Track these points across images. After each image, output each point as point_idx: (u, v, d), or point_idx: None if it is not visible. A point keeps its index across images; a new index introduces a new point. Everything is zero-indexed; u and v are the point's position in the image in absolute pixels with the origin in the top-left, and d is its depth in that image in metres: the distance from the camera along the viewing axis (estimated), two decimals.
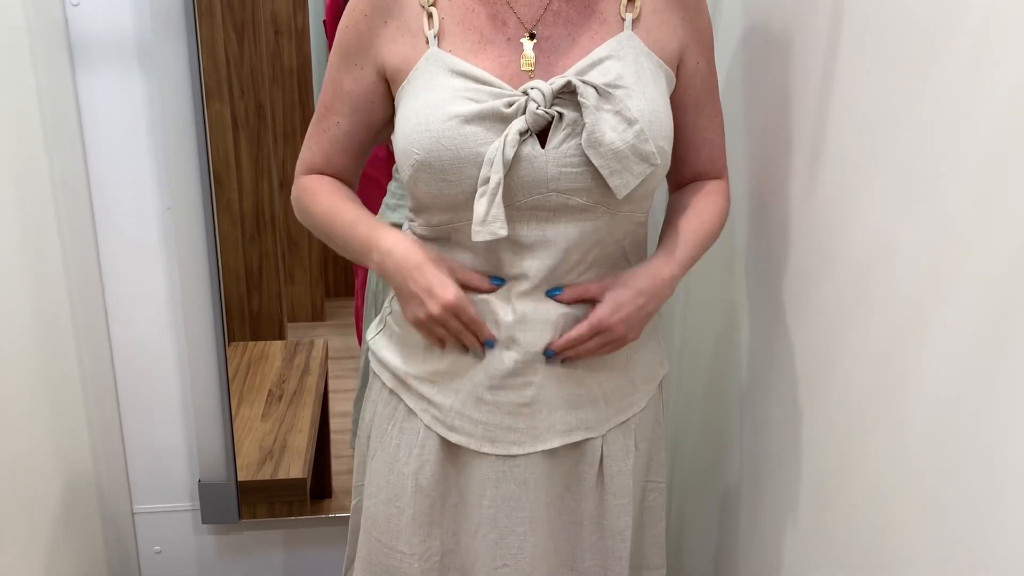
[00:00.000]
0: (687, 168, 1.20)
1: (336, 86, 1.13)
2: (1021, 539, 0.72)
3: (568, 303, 1.09)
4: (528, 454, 1.13)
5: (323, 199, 1.16)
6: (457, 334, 1.08)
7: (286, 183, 1.92)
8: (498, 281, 1.08)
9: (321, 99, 1.15)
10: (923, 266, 0.86)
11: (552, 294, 1.09)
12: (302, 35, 1.85)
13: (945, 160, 0.83)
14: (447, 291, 1.05)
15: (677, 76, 1.13)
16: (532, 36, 1.06)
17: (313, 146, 1.17)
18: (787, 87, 1.18)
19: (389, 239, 1.10)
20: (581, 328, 1.08)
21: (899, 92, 0.90)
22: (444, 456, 1.15)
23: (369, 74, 1.11)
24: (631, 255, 1.14)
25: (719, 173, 1.21)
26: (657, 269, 1.11)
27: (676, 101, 1.13)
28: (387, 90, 1.12)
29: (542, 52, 1.06)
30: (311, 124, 1.18)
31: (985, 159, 0.77)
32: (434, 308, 1.06)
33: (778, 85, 1.21)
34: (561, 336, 1.09)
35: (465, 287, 1.08)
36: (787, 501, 1.19)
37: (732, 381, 1.42)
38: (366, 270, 1.80)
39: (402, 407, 1.17)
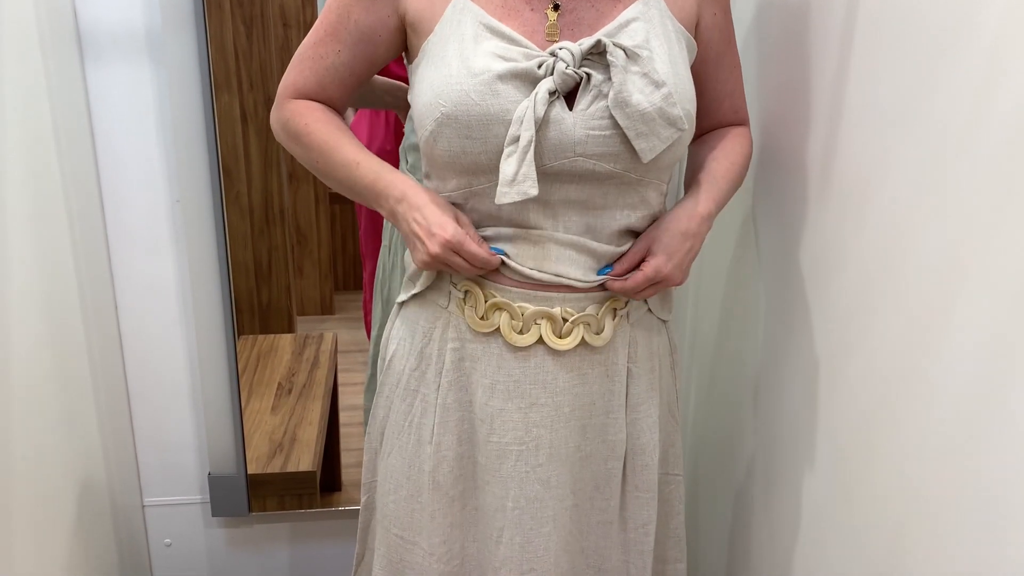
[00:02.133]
0: (708, 121, 1.19)
1: (343, 12, 1.08)
2: None
3: (621, 276, 1.09)
4: (550, 455, 1.12)
5: (320, 129, 1.11)
6: (461, 269, 1.06)
7: (295, 176, 1.92)
8: (499, 251, 1.07)
9: (323, 20, 1.09)
10: (940, 260, 0.85)
11: (603, 272, 1.09)
12: (311, 28, 1.84)
13: (961, 156, 0.82)
14: (445, 229, 1.03)
15: (696, 32, 1.11)
16: (556, 7, 1.04)
17: (306, 70, 1.11)
18: (801, 81, 1.17)
19: (399, 186, 1.07)
20: (636, 278, 1.08)
21: (915, 87, 0.90)
22: (463, 452, 1.14)
23: (384, 7, 1.07)
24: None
25: (741, 121, 1.21)
26: (694, 208, 1.11)
27: (698, 57, 1.13)
28: (399, 28, 1.08)
29: (566, 24, 1.05)
30: (306, 44, 1.11)
31: (1001, 156, 0.76)
32: (434, 247, 1.04)
33: (792, 79, 1.20)
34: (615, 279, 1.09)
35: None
36: (801, 497, 1.18)
37: (745, 374, 1.41)
38: (375, 263, 1.80)
39: (418, 404, 1.16)
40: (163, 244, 1.67)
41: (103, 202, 1.64)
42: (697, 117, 1.14)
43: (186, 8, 1.50)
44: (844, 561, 1.06)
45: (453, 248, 1.04)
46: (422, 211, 1.05)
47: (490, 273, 1.09)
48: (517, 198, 0.98)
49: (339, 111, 1.16)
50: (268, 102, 1.85)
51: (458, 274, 1.09)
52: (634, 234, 1.11)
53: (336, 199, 2.23)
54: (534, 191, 0.98)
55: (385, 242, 1.73)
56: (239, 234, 1.86)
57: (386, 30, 1.08)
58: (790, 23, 1.22)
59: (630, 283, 1.08)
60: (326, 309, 2.12)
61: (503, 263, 1.08)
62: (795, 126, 1.19)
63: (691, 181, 1.16)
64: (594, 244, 1.07)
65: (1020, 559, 0.74)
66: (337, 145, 1.10)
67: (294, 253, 1.99)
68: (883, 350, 0.96)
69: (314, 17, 1.83)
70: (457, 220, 1.06)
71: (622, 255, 1.10)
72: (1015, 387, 0.74)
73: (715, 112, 1.19)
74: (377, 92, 1.58)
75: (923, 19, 0.88)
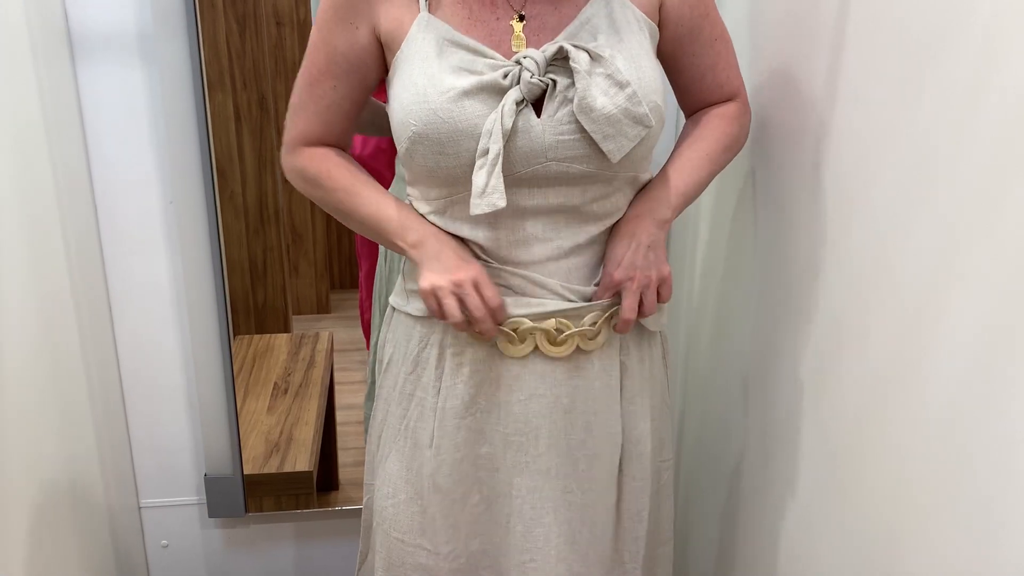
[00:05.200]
0: (692, 98, 1.19)
1: (329, 48, 1.09)
2: None
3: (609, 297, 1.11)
4: (549, 445, 1.13)
5: (340, 176, 1.12)
6: (472, 308, 1.06)
7: None
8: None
9: (310, 63, 1.10)
10: (931, 259, 0.85)
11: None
12: (304, 27, 1.83)
13: (953, 155, 0.82)
14: (467, 268, 1.05)
15: (663, 13, 1.11)
16: (522, 18, 1.05)
17: (310, 114, 1.12)
18: (794, 83, 1.17)
19: (417, 230, 1.09)
20: (623, 313, 1.10)
21: (906, 85, 0.89)
22: (463, 456, 1.15)
23: (364, 34, 1.08)
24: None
25: (731, 95, 1.20)
26: (647, 210, 1.12)
27: (668, 36, 1.12)
28: (380, 50, 1.09)
29: (532, 30, 1.06)
30: (300, 90, 1.12)
31: (992, 157, 0.76)
32: (460, 275, 1.05)
33: (785, 82, 1.20)
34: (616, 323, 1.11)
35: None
36: (793, 494, 1.18)
37: (739, 371, 1.41)
38: (371, 262, 1.79)
39: (414, 408, 1.16)
40: (157, 245, 1.67)
41: (96, 204, 1.63)
42: (680, 96, 1.16)
43: (177, 7, 1.49)
44: (836, 557, 1.06)
45: (476, 283, 1.05)
46: (439, 258, 1.06)
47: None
48: (487, 209, 1.00)
49: (346, 146, 1.17)
50: (262, 101, 1.84)
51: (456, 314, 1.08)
52: (601, 220, 1.11)
53: None
54: (502, 203, 0.99)
55: (382, 249, 1.72)
56: (234, 234, 1.86)
57: (369, 53, 1.09)
58: (782, 20, 1.21)
59: (623, 318, 1.10)
60: (322, 308, 2.11)
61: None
62: (787, 124, 1.19)
63: (659, 175, 1.16)
64: (572, 241, 1.09)
65: (1012, 558, 0.73)
66: (359, 193, 1.12)
67: (289, 252, 1.99)
68: (875, 348, 0.96)
69: (307, 15, 1.83)
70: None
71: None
72: (1006, 385, 0.74)
73: (697, 90, 1.19)
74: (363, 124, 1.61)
75: (916, 15, 0.88)
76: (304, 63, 1.11)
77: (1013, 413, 0.73)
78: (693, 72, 1.17)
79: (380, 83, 1.14)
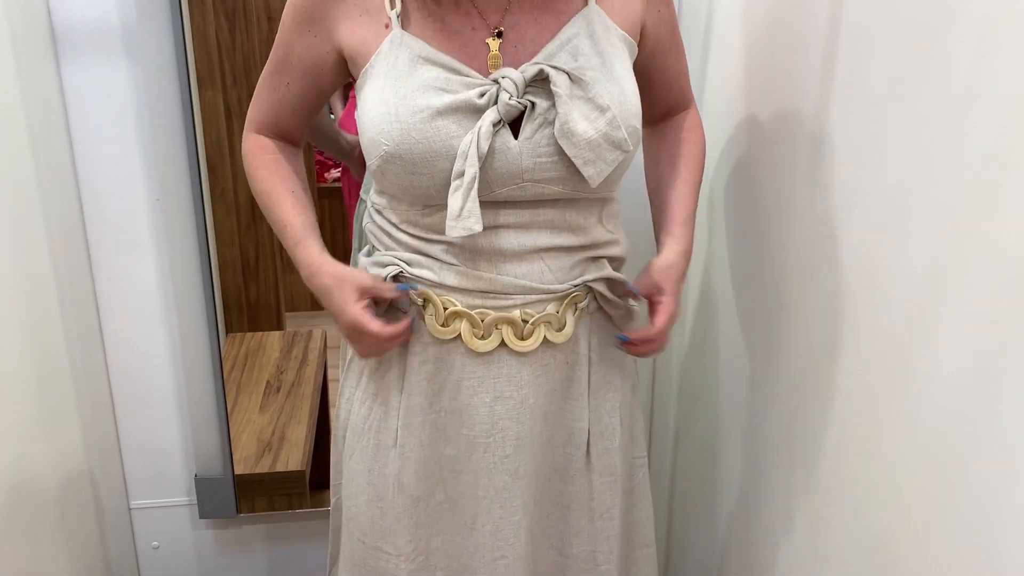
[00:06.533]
0: (660, 107, 1.21)
1: (287, 48, 1.09)
2: None
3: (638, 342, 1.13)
4: (516, 446, 1.11)
5: (265, 178, 1.15)
6: (371, 347, 1.09)
7: None
8: (405, 287, 1.08)
9: (274, 53, 1.12)
10: (926, 260, 0.85)
11: (621, 338, 1.13)
12: None
13: (948, 154, 0.81)
14: (343, 316, 1.07)
15: (642, 31, 1.11)
16: (499, 35, 1.03)
17: (263, 103, 1.15)
18: (788, 83, 1.16)
19: (309, 265, 1.10)
20: (661, 338, 1.12)
21: (900, 88, 0.89)
22: (427, 455, 1.14)
23: (322, 44, 1.07)
24: (607, 222, 1.13)
25: (688, 103, 1.23)
26: (676, 258, 1.14)
27: (645, 52, 1.13)
28: (340, 61, 1.09)
29: (509, 42, 1.04)
30: (262, 76, 1.14)
31: (986, 157, 0.75)
32: (342, 325, 1.08)
33: (779, 82, 1.19)
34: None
35: (377, 299, 1.08)
36: (784, 496, 1.17)
37: (729, 373, 1.40)
38: None
39: (378, 408, 1.15)
40: (145, 244, 1.65)
41: (82, 202, 1.61)
42: (649, 105, 1.15)
43: (161, 3, 1.47)
44: (830, 561, 1.05)
45: (356, 330, 1.06)
46: (328, 296, 1.08)
47: (446, 283, 1.08)
48: (463, 233, 0.99)
49: (296, 139, 1.19)
50: (252, 97, 1.83)
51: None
52: (575, 232, 1.10)
53: (324, 194, 2.22)
54: (478, 227, 0.99)
55: (355, 245, 1.71)
56: (226, 230, 1.85)
57: (327, 64, 1.09)
58: (776, 24, 1.20)
59: (655, 345, 1.12)
60: (316, 304, 2.07)
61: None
62: (781, 124, 1.18)
63: (664, 209, 1.18)
64: (547, 243, 1.07)
65: (1005, 561, 0.73)
66: (274, 203, 1.14)
67: (281, 249, 1.97)
68: (868, 349, 0.96)
69: None
70: (361, 291, 1.07)
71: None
72: (1001, 387, 0.73)
73: (665, 99, 1.21)
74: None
75: (909, 15, 0.87)
76: (270, 55, 1.12)
77: (1007, 417, 0.72)
78: (663, 84, 1.18)
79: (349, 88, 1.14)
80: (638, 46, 1.11)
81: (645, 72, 1.14)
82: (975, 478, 0.77)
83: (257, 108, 1.16)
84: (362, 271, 1.12)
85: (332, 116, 2.00)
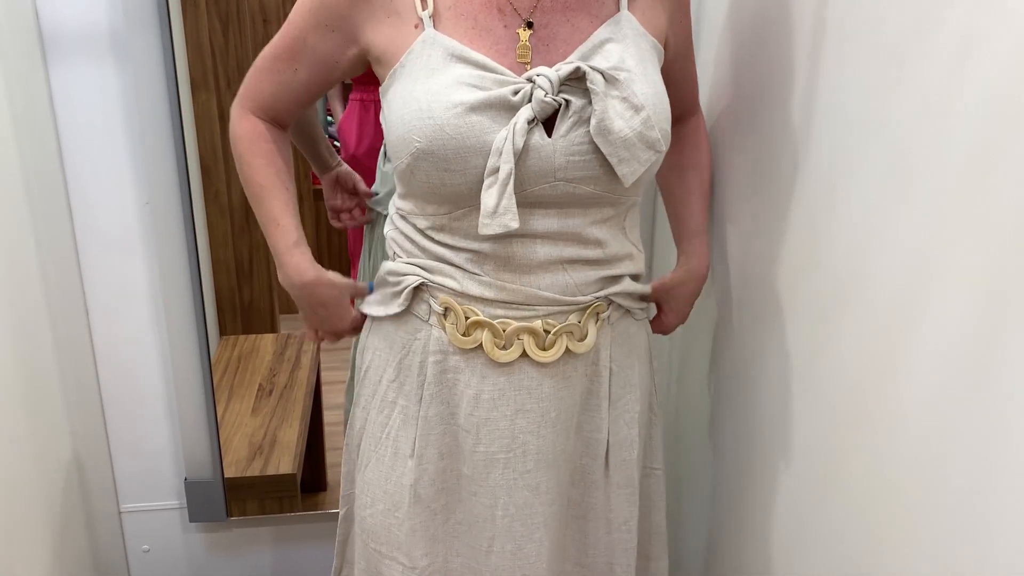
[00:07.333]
0: (673, 112, 1.20)
1: (300, 36, 1.07)
2: (1017, 534, 0.70)
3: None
4: (537, 460, 1.10)
5: (262, 167, 1.14)
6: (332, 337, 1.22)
7: None
8: (372, 285, 1.14)
9: (284, 35, 1.09)
10: (909, 260, 0.85)
11: None
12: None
13: (928, 156, 0.81)
14: (344, 323, 1.19)
15: (668, 35, 1.12)
16: (529, 25, 1.02)
17: (264, 82, 1.12)
18: (771, 85, 1.15)
19: (297, 272, 1.14)
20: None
21: (881, 88, 0.89)
22: (445, 466, 1.12)
23: (341, 40, 1.06)
24: (630, 232, 1.13)
25: (696, 108, 1.28)
26: (684, 277, 1.25)
27: (668, 59, 1.14)
28: (358, 59, 1.07)
29: (540, 40, 1.03)
30: (266, 54, 1.11)
31: (968, 156, 0.75)
32: (308, 331, 1.22)
33: (762, 84, 1.19)
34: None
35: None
36: (778, 496, 1.17)
37: (722, 374, 1.40)
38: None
39: (396, 416, 1.14)
40: (134, 247, 1.65)
41: (71, 206, 1.61)
42: None
43: (150, 5, 1.47)
44: (821, 557, 1.05)
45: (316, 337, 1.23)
46: (319, 306, 1.16)
47: (468, 292, 1.07)
48: (499, 230, 0.98)
49: (288, 123, 1.18)
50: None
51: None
52: (601, 244, 1.09)
53: (320, 196, 2.21)
54: (515, 224, 0.97)
55: (365, 247, 1.70)
56: (219, 233, 1.84)
57: (344, 58, 1.07)
58: (759, 26, 1.20)
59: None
60: None
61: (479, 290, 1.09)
62: (764, 124, 1.18)
63: (684, 224, 1.27)
64: (573, 255, 1.07)
65: (994, 556, 0.73)
66: (265, 196, 1.14)
67: None
68: (855, 349, 0.96)
69: None
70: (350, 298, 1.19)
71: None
72: (986, 385, 0.73)
73: (679, 105, 1.20)
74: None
75: (889, 19, 0.87)
76: (278, 33, 1.10)
77: (994, 412, 0.72)
78: (680, 89, 1.19)
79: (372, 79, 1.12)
80: (664, 51, 1.12)
81: (665, 78, 1.13)
82: (964, 471, 0.77)
83: (255, 88, 1.13)
84: (338, 276, 1.14)
85: (331, 119, 1.99)
